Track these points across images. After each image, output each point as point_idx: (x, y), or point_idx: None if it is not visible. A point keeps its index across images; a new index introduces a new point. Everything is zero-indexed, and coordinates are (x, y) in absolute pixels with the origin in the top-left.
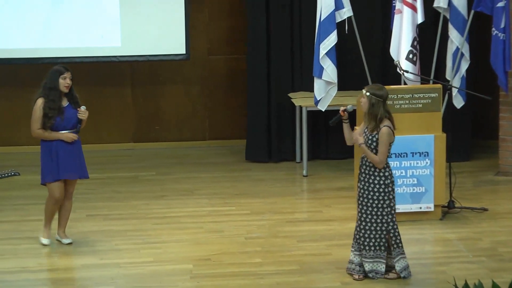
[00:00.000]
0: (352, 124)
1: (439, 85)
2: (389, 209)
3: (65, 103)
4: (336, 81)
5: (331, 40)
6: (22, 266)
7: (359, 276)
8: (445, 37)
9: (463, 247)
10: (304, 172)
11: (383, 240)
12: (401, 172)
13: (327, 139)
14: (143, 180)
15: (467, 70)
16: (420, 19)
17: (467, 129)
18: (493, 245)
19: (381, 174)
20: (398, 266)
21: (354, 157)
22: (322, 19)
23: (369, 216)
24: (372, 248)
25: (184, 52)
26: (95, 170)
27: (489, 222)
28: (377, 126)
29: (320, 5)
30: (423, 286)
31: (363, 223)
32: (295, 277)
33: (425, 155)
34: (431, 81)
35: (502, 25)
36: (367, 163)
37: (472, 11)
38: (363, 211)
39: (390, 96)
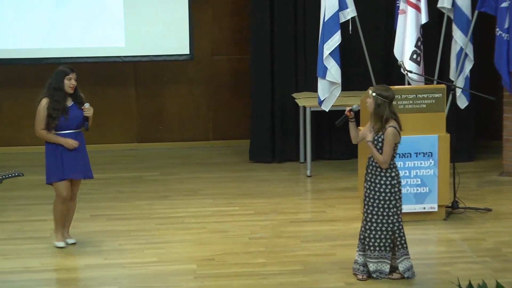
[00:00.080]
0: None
1: (443, 86)
2: (395, 209)
3: (69, 103)
4: (340, 81)
5: (335, 40)
6: (25, 266)
7: (362, 276)
8: (449, 37)
9: (467, 248)
10: (308, 173)
11: (389, 240)
12: (405, 172)
13: (331, 139)
14: (147, 180)
15: (471, 71)
16: (424, 19)
17: (471, 129)
18: (497, 246)
19: (388, 174)
20: (401, 266)
21: (358, 158)
22: (326, 20)
23: (375, 217)
24: (377, 249)
25: (188, 53)
26: (99, 170)
27: (493, 222)
28: (383, 127)
29: (324, 5)
30: (427, 286)
31: (369, 223)
32: (299, 277)
33: (429, 156)
34: (435, 82)
35: (506, 26)
36: (374, 163)
37: (476, 12)
38: (369, 211)
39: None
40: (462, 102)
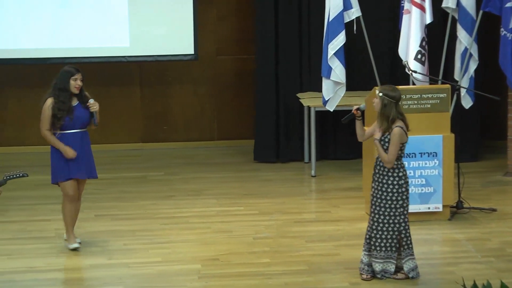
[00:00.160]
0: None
1: (448, 86)
2: (401, 209)
3: (74, 102)
4: (344, 81)
5: (340, 40)
6: (30, 266)
7: (366, 276)
8: (453, 37)
9: (471, 248)
10: (312, 173)
11: (395, 240)
12: (410, 173)
13: (336, 139)
14: (151, 180)
15: (475, 71)
16: (428, 19)
17: (475, 129)
18: (502, 246)
19: (395, 174)
20: (406, 266)
21: (362, 158)
22: (330, 20)
23: (381, 217)
24: (383, 249)
25: (193, 52)
26: (103, 170)
27: (497, 222)
28: (389, 127)
29: (328, 5)
30: (432, 287)
31: (375, 224)
32: (303, 277)
33: (433, 156)
34: (439, 82)
35: (511, 26)
36: (381, 163)
37: (481, 11)
38: (376, 211)
39: None
40: (467, 102)
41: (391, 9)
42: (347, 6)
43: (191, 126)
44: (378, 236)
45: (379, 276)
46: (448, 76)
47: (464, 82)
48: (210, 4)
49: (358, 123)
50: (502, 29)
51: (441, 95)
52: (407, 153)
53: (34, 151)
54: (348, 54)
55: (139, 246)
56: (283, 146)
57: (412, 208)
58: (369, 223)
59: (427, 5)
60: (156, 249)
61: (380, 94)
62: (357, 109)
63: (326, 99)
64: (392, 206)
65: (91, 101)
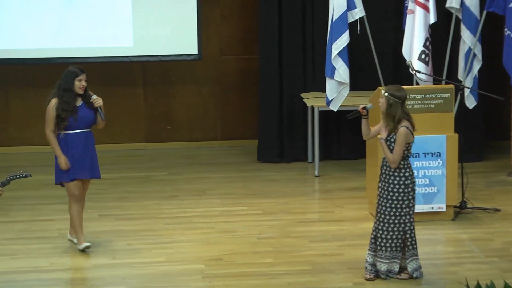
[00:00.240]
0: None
1: (451, 86)
2: (407, 209)
3: (79, 102)
4: (348, 81)
5: (343, 40)
6: (33, 266)
7: (370, 275)
8: (457, 37)
9: (475, 248)
10: (316, 173)
11: (400, 240)
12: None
13: (339, 139)
14: (155, 180)
15: (479, 71)
16: (432, 19)
17: (479, 129)
18: (505, 246)
19: (401, 174)
20: (410, 266)
21: (366, 158)
22: (334, 20)
23: (387, 217)
24: (389, 249)
25: (196, 52)
26: (107, 170)
27: (501, 222)
28: (395, 127)
29: (332, 5)
30: (435, 287)
31: (381, 224)
32: (307, 277)
33: (437, 156)
34: (443, 82)
35: None
36: (388, 163)
37: (485, 11)
38: (382, 211)
39: None
40: (471, 102)
41: (395, 9)
42: (351, 6)
43: (194, 126)
44: (383, 236)
45: (383, 276)
46: (452, 76)
47: (468, 82)
48: (214, 4)
49: (364, 122)
50: (506, 29)
51: (445, 95)
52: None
53: (37, 151)
54: (352, 54)
55: (143, 246)
56: (286, 146)
57: (416, 208)
58: (375, 223)
59: (431, 5)
60: (159, 249)
61: (386, 94)
62: (364, 108)
63: (330, 99)
64: (398, 206)
65: (94, 96)
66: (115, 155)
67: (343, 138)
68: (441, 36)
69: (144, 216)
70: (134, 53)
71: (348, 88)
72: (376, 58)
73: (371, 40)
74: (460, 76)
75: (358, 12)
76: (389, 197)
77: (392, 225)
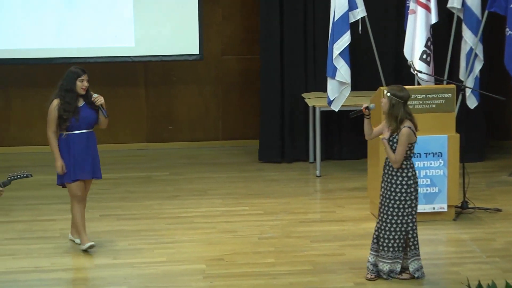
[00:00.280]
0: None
1: (453, 86)
2: (410, 209)
3: (80, 103)
4: (349, 81)
5: (345, 40)
6: (35, 266)
7: (371, 275)
8: (459, 37)
9: (476, 248)
10: (317, 173)
11: (402, 240)
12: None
13: (341, 139)
14: (156, 180)
15: (480, 71)
16: (434, 19)
17: (481, 129)
18: (507, 246)
19: (403, 174)
20: (412, 267)
21: (367, 158)
22: (335, 20)
23: (390, 217)
24: (391, 249)
25: (198, 52)
26: (109, 170)
27: (502, 222)
28: (398, 127)
29: (333, 5)
30: (437, 287)
31: (384, 224)
32: (308, 277)
33: (438, 156)
34: (444, 82)
35: None
36: (390, 164)
37: (486, 12)
38: (384, 211)
39: None
40: (472, 102)
41: (396, 9)
42: (352, 6)
43: (196, 126)
44: (386, 236)
45: (385, 276)
46: (453, 76)
47: (469, 82)
48: (215, 4)
49: (366, 121)
50: (507, 29)
51: (446, 95)
52: None
53: (38, 151)
54: (353, 54)
55: (144, 246)
56: (288, 146)
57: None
58: (377, 223)
59: (433, 5)
60: (161, 249)
61: (388, 94)
62: (366, 107)
63: (331, 99)
64: (401, 206)
65: (95, 95)
66: (117, 155)
67: (344, 138)
68: (442, 36)
69: (145, 216)
70: (136, 53)
71: (349, 88)
72: (378, 58)
73: (373, 40)
74: (462, 76)
75: (360, 12)
76: (391, 197)
77: (394, 225)
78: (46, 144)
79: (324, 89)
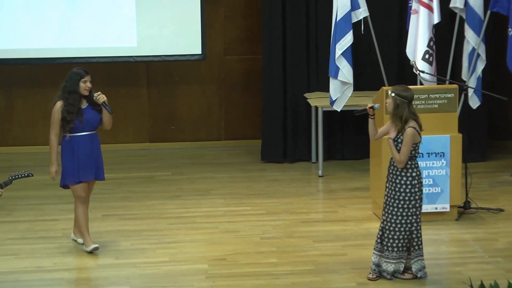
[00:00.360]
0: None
1: (455, 86)
2: (414, 209)
3: (84, 105)
4: (351, 81)
5: (347, 40)
6: (37, 266)
7: (372, 275)
8: (461, 37)
9: (479, 248)
10: (320, 173)
11: (406, 240)
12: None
13: (343, 139)
14: (159, 180)
15: (483, 71)
16: (436, 19)
17: (483, 129)
18: (509, 246)
19: (408, 174)
20: (414, 267)
21: (369, 158)
22: (338, 20)
23: (394, 217)
24: (396, 249)
25: (200, 52)
26: (111, 170)
27: (505, 222)
28: (403, 128)
29: (336, 5)
30: (439, 287)
31: (388, 224)
32: (311, 277)
33: (441, 156)
34: (447, 82)
35: None
36: (395, 164)
37: (489, 12)
38: (389, 211)
39: None
40: (474, 102)
41: (399, 9)
42: (354, 6)
43: (198, 126)
44: (390, 236)
45: (388, 277)
46: (456, 76)
47: (472, 82)
48: (218, 4)
49: (371, 122)
50: (510, 29)
51: (449, 95)
52: None
53: (40, 151)
54: (355, 54)
55: (146, 246)
56: (290, 146)
57: None
58: (381, 223)
59: (435, 5)
60: (163, 249)
61: (393, 94)
62: (371, 107)
63: (334, 99)
64: (405, 206)
65: (96, 94)
66: (119, 155)
67: (346, 138)
68: (445, 36)
69: (147, 216)
70: (138, 53)
71: (351, 88)
72: (380, 58)
73: (375, 40)
74: (464, 76)
75: (362, 12)
76: (396, 197)
77: (399, 225)
78: (48, 144)
79: (326, 89)
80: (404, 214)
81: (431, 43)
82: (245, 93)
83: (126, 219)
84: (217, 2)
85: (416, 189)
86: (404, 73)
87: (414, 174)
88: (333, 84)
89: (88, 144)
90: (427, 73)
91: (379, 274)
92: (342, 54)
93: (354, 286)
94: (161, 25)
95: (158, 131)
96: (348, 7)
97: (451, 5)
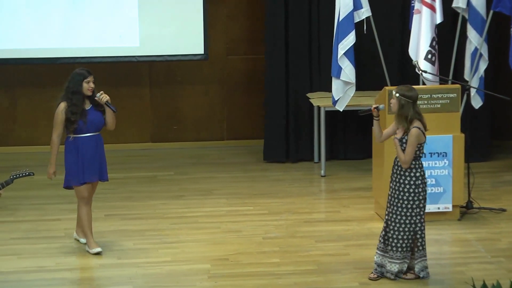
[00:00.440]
0: (366, 126)
1: (458, 86)
2: (418, 209)
3: (87, 106)
4: (354, 81)
5: (350, 40)
6: (39, 266)
7: (373, 275)
8: (463, 37)
9: (481, 248)
10: (322, 172)
11: (410, 241)
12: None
13: (345, 139)
14: (161, 180)
15: (485, 71)
16: (439, 19)
17: (485, 129)
18: None
19: (412, 174)
20: (417, 267)
21: (372, 157)
22: (340, 19)
23: (398, 217)
24: (400, 250)
25: (203, 52)
26: (114, 170)
27: (507, 222)
28: (408, 128)
29: (338, 5)
30: (442, 286)
31: (392, 224)
32: (313, 277)
33: (443, 156)
34: (449, 82)
35: None
36: (399, 164)
37: (491, 11)
38: (393, 211)
39: None
40: (477, 102)
41: (401, 9)
42: (357, 6)
43: (201, 126)
44: (394, 236)
45: (392, 277)
46: (458, 76)
47: (474, 82)
48: (220, 4)
49: (376, 124)
50: None
51: (451, 95)
52: None
53: (43, 150)
54: (358, 54)
55: (149, 246)
56: (292, 146)
57: None
58: (384, 223)
59: (438, 5)
60: (165, 249)
61: (397, 94)
62: (376, 108)
63: (336, 99)
64: (409, 206)
65: (98, 94)
66: (122, 155)
67: (349, 138)
68: (447, 36)
69: (150, 216)
70: (140, 53)
71: (354, 88)
72: (382, 58)
73: (377, 40)
74: (466, 76)
75: (365, 12)
76: (400, 197)
77: (403, 225)
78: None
79: (329, 89)
80: (408, 214)
81: (434, 43)
82: (247, 93)
83: (128, 219)
84: (219, 2)
85: (420, 189)
86: (406, 73)
87: (418, 174)
88: (335, 84)
89: (93, 146)
90: (429, 73)
91: (381, 274)
92: (344, 54)
93: (357, 286)
94: (163, 25)
95: (161, 131)
96: (351, 7)
97: (454, 5)
